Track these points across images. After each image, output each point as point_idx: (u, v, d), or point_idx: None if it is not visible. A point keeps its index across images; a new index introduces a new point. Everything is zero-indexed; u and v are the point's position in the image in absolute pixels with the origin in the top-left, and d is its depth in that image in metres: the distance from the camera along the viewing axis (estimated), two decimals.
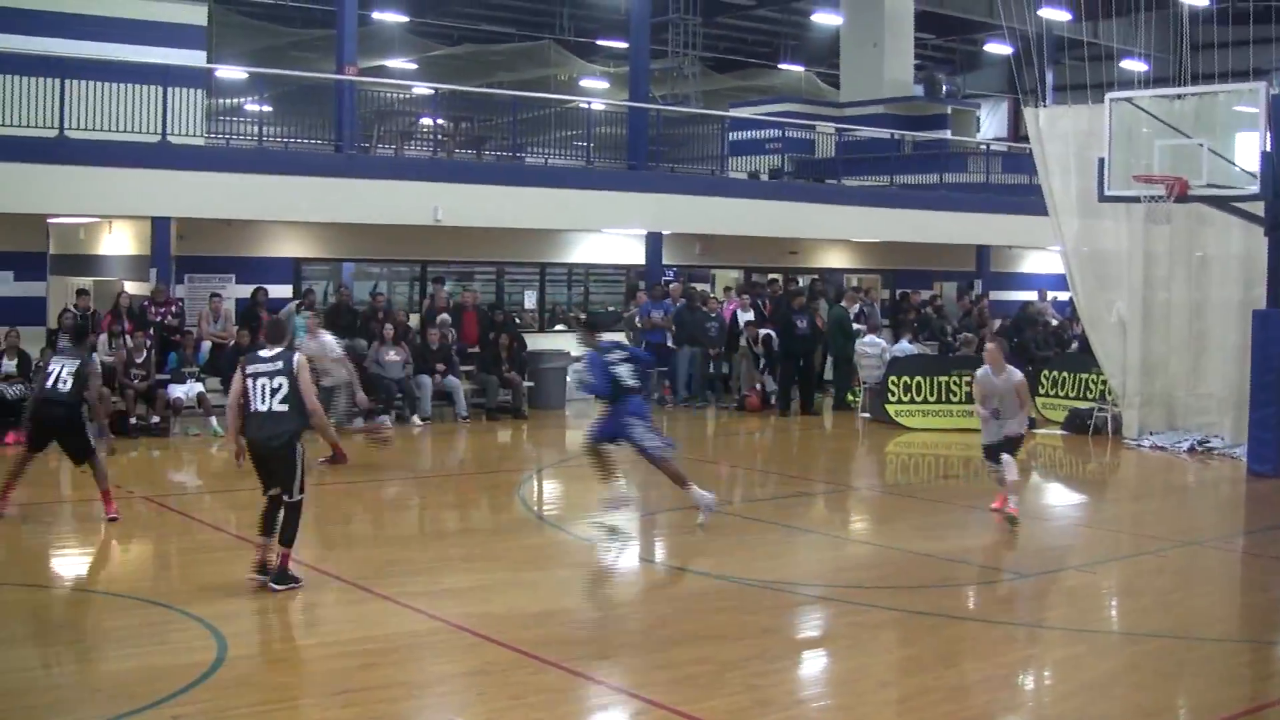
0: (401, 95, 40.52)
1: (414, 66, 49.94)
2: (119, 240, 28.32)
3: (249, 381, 12.23)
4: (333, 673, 10.12)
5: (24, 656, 10.43)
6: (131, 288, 26.16)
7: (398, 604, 11.99)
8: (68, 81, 24.56)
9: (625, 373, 15.99)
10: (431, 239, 28.46)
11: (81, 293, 25.60)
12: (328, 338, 20.19)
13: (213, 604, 11.55)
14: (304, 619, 12.03)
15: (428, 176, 28.67)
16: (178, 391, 23.12)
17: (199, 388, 23.44)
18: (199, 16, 28.94)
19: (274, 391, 12.12)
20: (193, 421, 23.28)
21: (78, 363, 15.41)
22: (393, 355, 25.04)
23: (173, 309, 24.78)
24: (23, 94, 24.29)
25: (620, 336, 29.03)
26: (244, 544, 14.13)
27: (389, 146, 34.48)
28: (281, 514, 12.22)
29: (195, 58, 28.32)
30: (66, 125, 24.35)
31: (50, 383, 15.26)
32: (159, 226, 25.90)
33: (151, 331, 23.76)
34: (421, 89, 43.68)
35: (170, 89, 25.95)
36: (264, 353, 12.42)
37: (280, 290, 27.31)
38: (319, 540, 15.37)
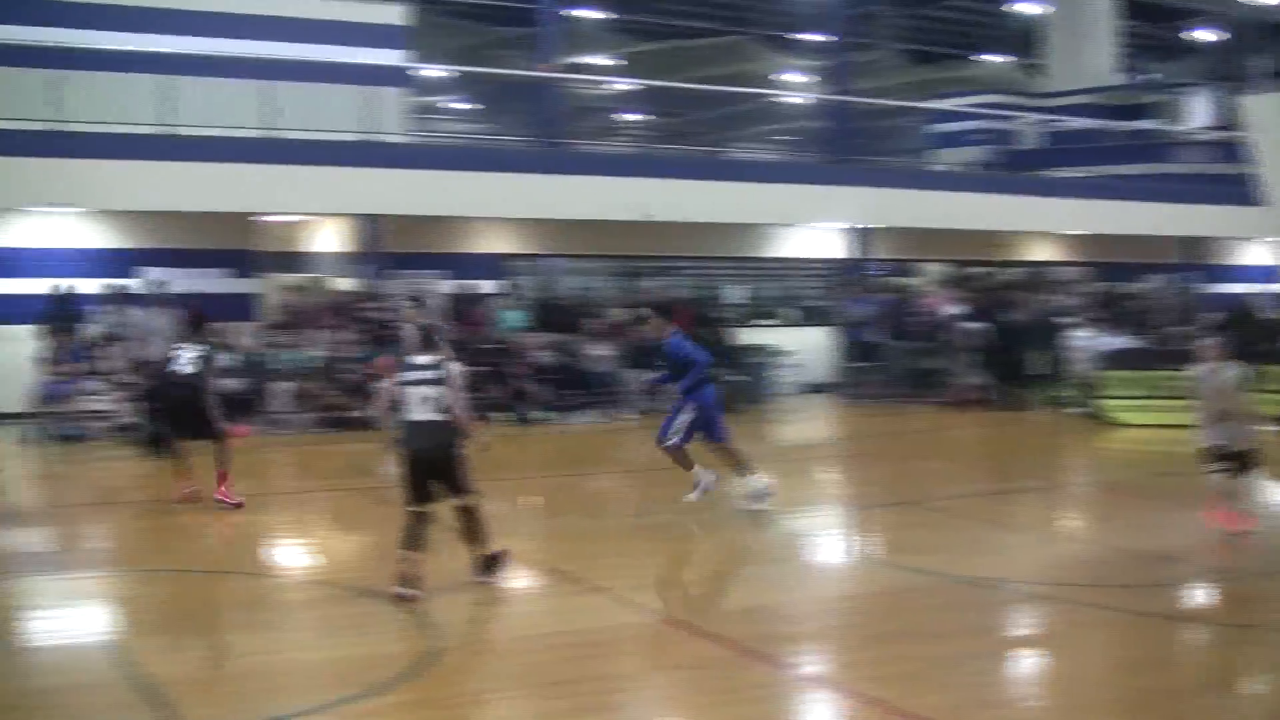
0: (603, 91, 40.65)
1: (614, 63, 50.15)
2: (329, 237, 28.81)
3: (404, 389, 11.77)
4: (544, 664, 10.11)
5: (249, 642, 10.57)
6: (342, 284, 26.63)
7: (608, 597, 11.98)
8: (275, 82, 25.05)
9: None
10: (637, 234, 28.49)
11: (291, 289, 26.08)
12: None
13: (428, 595, 11.52)
14: (516, 611, 12.09)
15: (631, 172, 28.77)
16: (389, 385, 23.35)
17: None
18: (401, 17, 29.38)
19: (431, 400, 11.66)
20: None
21: (202, 349, 16.17)
22: (600, 350, 25.15)
23: (383, 304, 25.10)
24: (232, 96, 24.80)
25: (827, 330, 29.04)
26: (456, 534, 14.35)
27: (592, 142, 34.63)
28: (464, 519, 11.95)
29: (398, 58, 28.78)
30: (275, 126, 24.82)
31: (173, 365, 16.10)
32: (367, 224, 26.34)
33: (362, 326, 24.10)
34: (623, 85, 43.92)
35: (375, 88, 26.37)
36: (419, 359, 11.99)
37: (478, 286, 27.57)
38: (529, 534, 15.49)
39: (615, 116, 58.46)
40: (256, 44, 26.46)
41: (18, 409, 22.37)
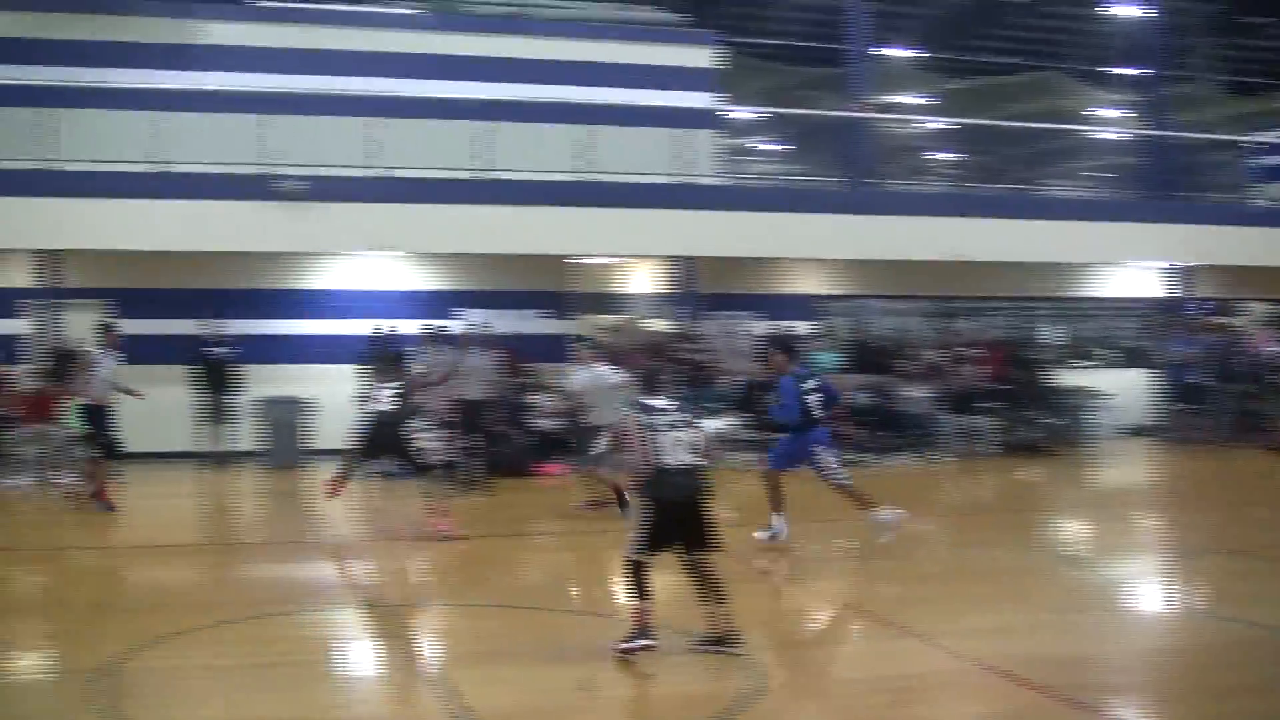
0: (914, 130, 40.40)
1: (924, 101, 49.79)
2: (643, 278, 29.11)
3: (652, 434, 11.17)
4: (861, 709, 10.03)
5: (565, 678, 10.62)
6: (658, 325, 26.88)
7: (927, 642, 11.80)
8: (589, 126, 25.47)
9: (815, 403, 16.10)
10: (951, 274, 28.14)
11: (606, 330, 26.39)
12: (604, 369, 19.44)
13: (748, 634, 11.42)
14: (831, 654, 12.01)
15: (943, 211, 28.52)
16: (706, 425, 23.30)
17: (723, 422, 23.77)
18: (712, 60, 29.64)
19: (685, 443, 11.21)
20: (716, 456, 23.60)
21: (399, 387, 17.29)
22: (916, 391, 24.94)
23: (698, 345, 25.24)
24: (548, 140, 25.27)
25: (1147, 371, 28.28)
26: (772, 578, 14.38)
27: (903, 181, 34.45)
28: (706, 572, 11.33)
29: (709, 100, 29.03)
30: (589, 169, 25.21)
31: (379, 405, 17.15)
32: (681, 265, 26.54)
33: (678, 367, 24.24)
34: (933, 123, 43.55)
35: (686, 130, 26.64)
36: (657, 403, 11.42)
37: (791, 328, 27.51)
38: (843, 576, 15.44)
39: (926, 155, 58.08)
40: (571, 89, 26.95)
41: (341, 446, 23.04)
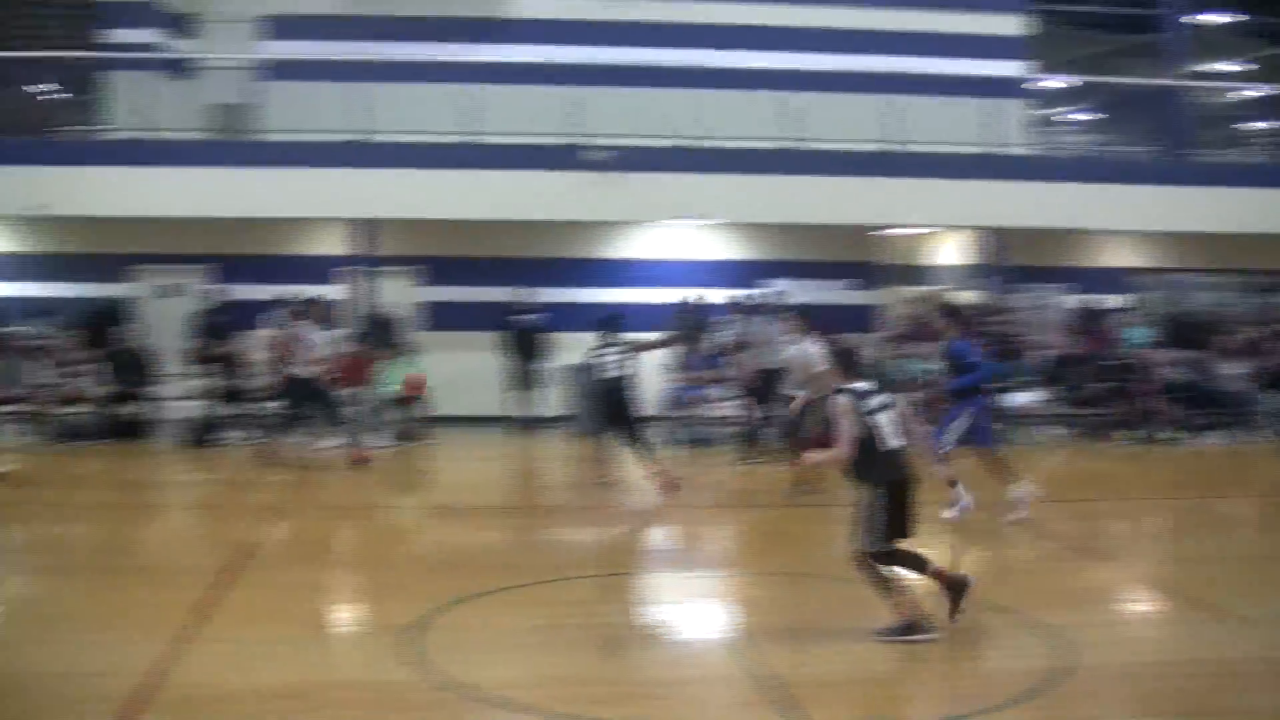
0: (1232, 98, 39.20)
1: (1243, 68, 48.25)
2: (950, 250, 28.76)
3: (872, 419, 10.78)
4: (1176, 693, 9.65)
5: (866, 649, 10.46)
6: (966, 297, 26.57)
7: (1243, 626, 11.35)
8: (897, 96, 25.22)
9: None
10: (1271, 247, 27.16)
11: (914, 301, 26.16)
12: (813, 347, 18.65)
13: (1057, 612, 11.33)
14: (1144, 635, 11.66)
15: (1263, 182, 27.53)
16: (1016, 399, 22.96)
17: (1035, 395, 23.42)
18: (1020, 27, 29.17)
19: (897, 425, 10.87)
20: (1027, 430, 23.25)
21: (624, 352, 17.59)
22: (1233, 369, 24.17)
23: (1007, 318, 24.85)
24: (854, 110, 25.09)
25: None
26: (1084, 554, 14.09)
27: (1220, 151, 33.40)
28: (901, 554, 10.96)
29: (1018, 69, 28.57)
30: (896, 139, 24.99)
31: (604, 371, 17.64)
32: (989, 237, 26.16)
33: (986, 340, 23.95)
34: (1252, 91, 42.21)
35: (995, 100, 26.27)
36: (864, 386, 10.95)
37: (1102, 302, 26.92)
38: (1159, 557, 15.04)
39: (1245, 124, 56.28)
40: (879, 58, 26.74)
41: (650, 413, 23.28)
